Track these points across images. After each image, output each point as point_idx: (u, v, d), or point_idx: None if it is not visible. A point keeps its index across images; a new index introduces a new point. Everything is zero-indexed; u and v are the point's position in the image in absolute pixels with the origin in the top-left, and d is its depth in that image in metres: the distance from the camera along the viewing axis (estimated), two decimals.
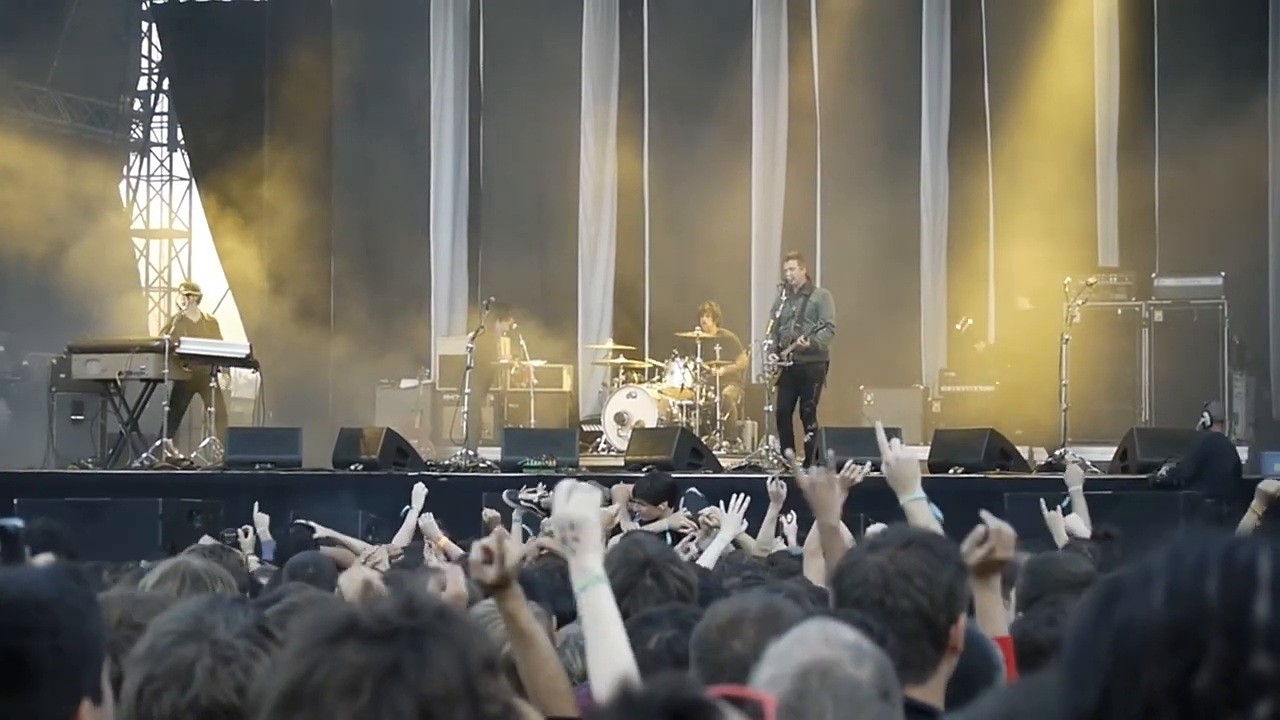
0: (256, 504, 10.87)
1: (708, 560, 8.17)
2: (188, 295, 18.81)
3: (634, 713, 1.91)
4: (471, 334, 17.95)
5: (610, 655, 3.32)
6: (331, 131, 21.85)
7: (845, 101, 19.89)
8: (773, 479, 9.93)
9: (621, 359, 19.33)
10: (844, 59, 19.86)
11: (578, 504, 3.44)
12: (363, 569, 6.10)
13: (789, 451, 4.91)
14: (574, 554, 3.40)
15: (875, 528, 6.24)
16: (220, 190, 21.94)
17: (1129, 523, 11.18)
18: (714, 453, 16.58)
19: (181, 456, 17.09)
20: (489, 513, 9.80)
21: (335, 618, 2.01)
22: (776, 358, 16.28)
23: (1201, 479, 14.13)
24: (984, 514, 4.11)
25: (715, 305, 18.62)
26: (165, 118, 24.13)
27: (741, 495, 8.89)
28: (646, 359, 19.55)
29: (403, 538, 9.69)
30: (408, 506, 10.19)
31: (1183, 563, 1.50)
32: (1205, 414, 15.12)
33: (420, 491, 10.36)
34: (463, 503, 12.67)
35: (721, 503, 8.81)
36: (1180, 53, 18.78)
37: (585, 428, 18.91)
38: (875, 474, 5.96)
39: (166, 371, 16.91)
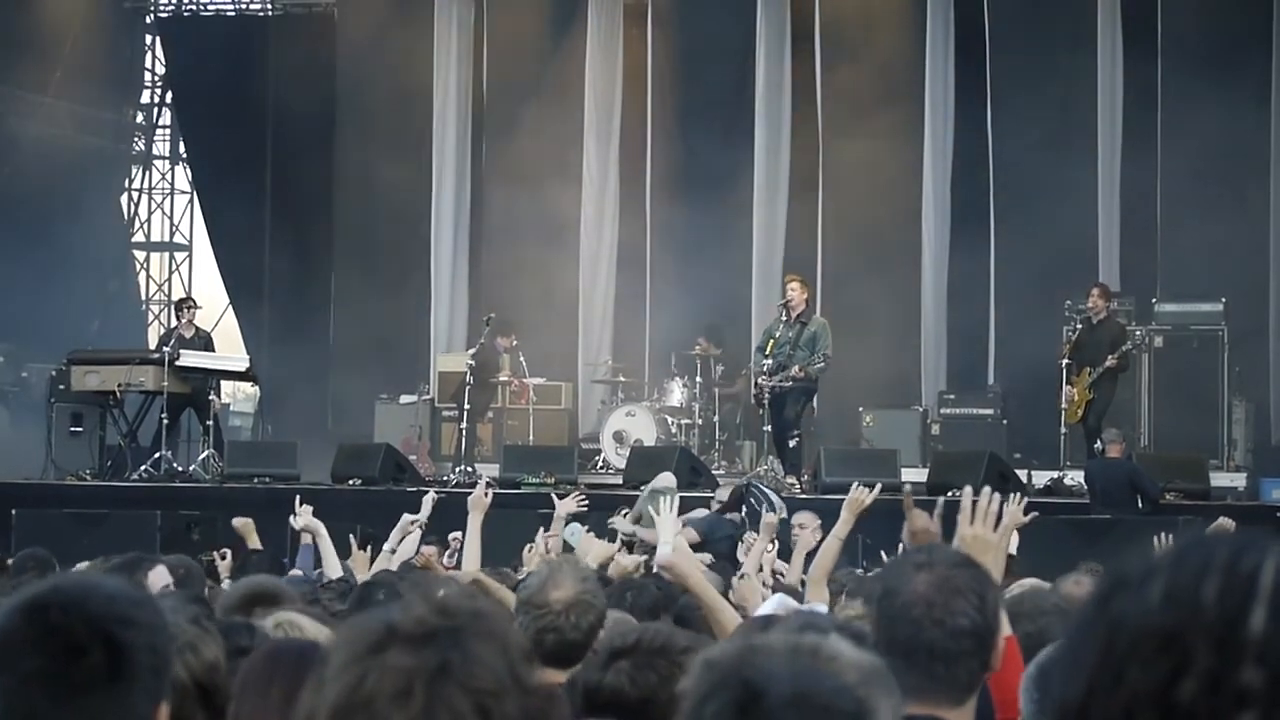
0: (295, 509, 10.28)
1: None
2: (185, 309, 18.79)
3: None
4: (472, 350, 17.92)
5: None
6: (333, 146, 21.86)
7: (847, 125, 19.89)
8: (766, 509, 9.80)
9: (621, 377, 19.31)
10: (846, 84, 19.87)
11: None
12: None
13: (909, 485, 4.88)
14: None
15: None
16: (222, 204, 21.93)
17: (1125, 548, 11.21)
18: (713, 472, 16.54)
19: (180, 469, 17.08)
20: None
21: (374, 627, 2.00)
22: (768, 380, 16.16)
23: (1098, 501, 14.53)
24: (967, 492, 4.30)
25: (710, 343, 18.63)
26: (168, 131, 24.15)
27: (668, 497, 8.60)
28: (646, 377, 19.52)
29: (397, 536, 9.66)
30: (411, 516, 10.10)
31: (1186, 563, 1.44)
32: (1099, 441, 15.46)
33: (429, 500, 10.28)
34: (460, 519, 12.65)
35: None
36: (1183, 76, 18.75)
37: (584, 446, 18.87)
38: (883, 495, 6.20)
39: (166, 384, 16.90)
